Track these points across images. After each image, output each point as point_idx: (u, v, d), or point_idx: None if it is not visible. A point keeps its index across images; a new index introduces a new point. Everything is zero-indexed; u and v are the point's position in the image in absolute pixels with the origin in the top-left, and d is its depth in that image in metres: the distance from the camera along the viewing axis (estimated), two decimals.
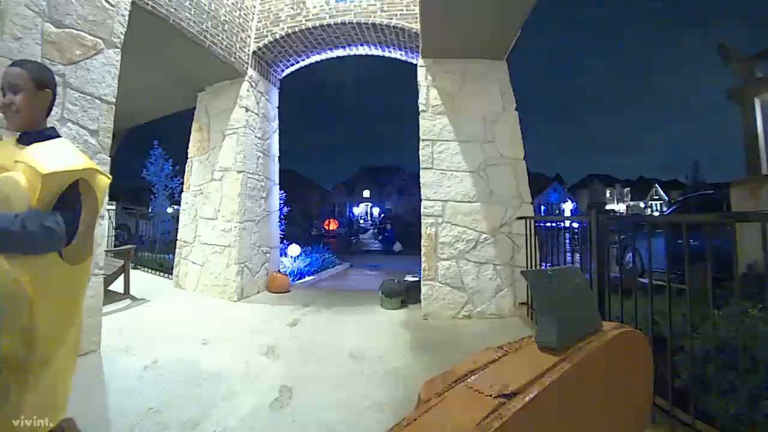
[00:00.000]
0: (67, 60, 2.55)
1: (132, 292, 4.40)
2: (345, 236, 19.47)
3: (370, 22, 4.29)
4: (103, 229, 2.86)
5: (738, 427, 1.48)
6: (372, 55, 5.04)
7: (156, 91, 5.48)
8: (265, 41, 4.67)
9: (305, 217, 21.58)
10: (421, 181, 4.11)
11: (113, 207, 7.25)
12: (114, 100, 2.87)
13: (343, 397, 2.14)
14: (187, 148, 5.29)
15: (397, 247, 13.13)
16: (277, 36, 4.59)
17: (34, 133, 1.20)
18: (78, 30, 2.62)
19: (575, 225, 3.11)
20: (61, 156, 1.13)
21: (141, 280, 5.28)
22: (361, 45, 4.80)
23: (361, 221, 34.77)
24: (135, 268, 5.84)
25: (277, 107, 5.60)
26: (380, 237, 18.47)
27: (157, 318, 3.61)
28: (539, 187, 40.84)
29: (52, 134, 1.24)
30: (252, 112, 4.86)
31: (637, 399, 1.05)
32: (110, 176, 1.31)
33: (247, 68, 4.74)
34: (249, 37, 4.74)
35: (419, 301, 4.00)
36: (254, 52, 4.75)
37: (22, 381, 1.05)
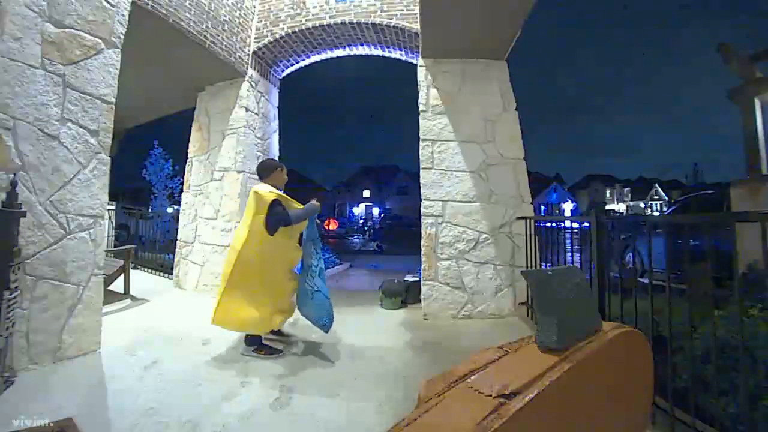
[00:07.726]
0: (67, 60, 2.55)
1: (132, 292, 4.40)
2: (343, 237, 19.60)
3: (369, 22, 4.29)
4: (103, 229, 2.86)
5: (738, 427, 1.48)
6: (372, 55, 5.04)
7: (156, 91, 5.48)
8: (265, 41, 4.66)
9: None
10: (421, 181, 4.10)
11: (113, 207, 7.23)
12: (114, 100, 2.87)
13: (343, 397, 2.14)
14: (187, 148, 5.29)
15: (378, 245, 15.62)
16: (277, 36, 4.59)
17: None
18: (78, 30, 2.62)
19: (575, 225, 3.11)
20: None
21: (141, 280, 5.28)
22: (361, 45, 4.80)
23: (360, 221, 34.69)
24: (135, 268, 5.84)
25: (277, 107, 5.60)
26: (374, 238, 19.28)
27: (158, 318, 3.61)
28: (539, 187, 40.82)
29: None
30: (252, 112, 4.86)
31: (637, 399, 1.05)
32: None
33: (247, 68, 4.74)
34: (249, 37, 4.74)
35: (419, 301, 4.00)
36: (254, 52, 4.75)
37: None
